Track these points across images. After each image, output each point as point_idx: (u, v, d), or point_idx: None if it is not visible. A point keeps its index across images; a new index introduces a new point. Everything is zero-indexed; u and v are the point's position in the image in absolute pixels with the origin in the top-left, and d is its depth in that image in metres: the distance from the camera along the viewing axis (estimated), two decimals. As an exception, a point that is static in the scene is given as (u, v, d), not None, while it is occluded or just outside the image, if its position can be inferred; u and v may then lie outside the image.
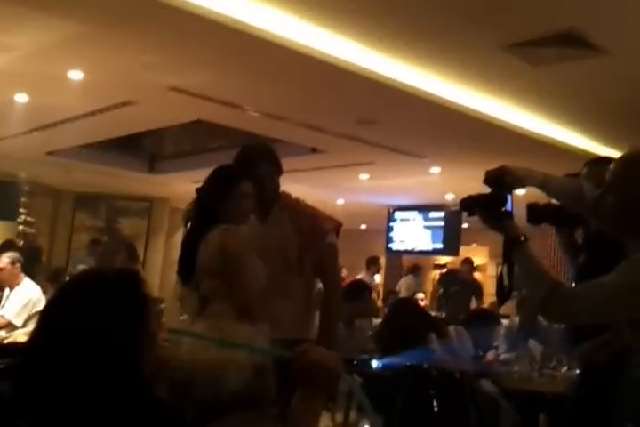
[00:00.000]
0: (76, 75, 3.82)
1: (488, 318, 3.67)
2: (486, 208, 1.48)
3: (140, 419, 0.80)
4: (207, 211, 1.71)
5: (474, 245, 9.56)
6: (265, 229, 2.00)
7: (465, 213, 1.55)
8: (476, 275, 10.36)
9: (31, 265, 6.47)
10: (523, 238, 1.38)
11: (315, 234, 1.97)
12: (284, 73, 3.61)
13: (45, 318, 0.87)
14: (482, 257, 10.24)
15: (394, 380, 2.10)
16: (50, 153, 6.11)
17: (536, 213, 2.01)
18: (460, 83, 3.75)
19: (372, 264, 7.13)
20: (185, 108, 4.42)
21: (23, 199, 7.65)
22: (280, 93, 4.01)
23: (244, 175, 1.86)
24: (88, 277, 0.93)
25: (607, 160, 1.59)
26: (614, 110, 4.00)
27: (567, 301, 1.29)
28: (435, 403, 2.06)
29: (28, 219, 7.81)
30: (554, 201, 1.89)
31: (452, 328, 3.33)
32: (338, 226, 2.02)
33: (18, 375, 0.83)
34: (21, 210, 7.66)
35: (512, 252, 1.40)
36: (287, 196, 2.06)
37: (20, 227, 7.69)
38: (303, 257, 1.96)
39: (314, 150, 5.36)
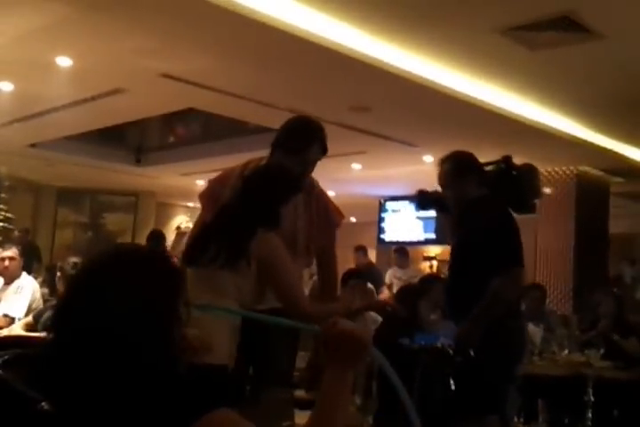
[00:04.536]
0: (64, 61, 3.70)
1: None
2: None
3: (174, 399, 0.79)
4: (259, 215, 1.69)
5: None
6: None
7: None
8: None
9: (29, 263, 6.25)
10: None
11: (326, 226, 2.00)
12: (279, 58, 3.54)
13: (73, 297, 0.85)
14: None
15: (409, 360, 2.07)
16: (33, 145, 5.94)
17: (424, 199, 2.41)
18: (456, 68, 3.71)
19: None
20: (176, 95, 4.32)
21: (2, 195, 7.44)
22: (274, 80, 3.94)
23: (294, 150, 1.90)
24: (115, 254, 0.90)
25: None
26: (610, 96, 3.99)
27: None
28: (451, 382, 2.03)
29: (8, 215, 7.60)
30: (439, 188, 2.26)
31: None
32: (341, 219, 2.06)
33: (47, 360, 0.81)
34: (1, 206, 7.45)
35: None
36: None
37: (0, 224, 7.48)
38: (309, 245, 1.98)
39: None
